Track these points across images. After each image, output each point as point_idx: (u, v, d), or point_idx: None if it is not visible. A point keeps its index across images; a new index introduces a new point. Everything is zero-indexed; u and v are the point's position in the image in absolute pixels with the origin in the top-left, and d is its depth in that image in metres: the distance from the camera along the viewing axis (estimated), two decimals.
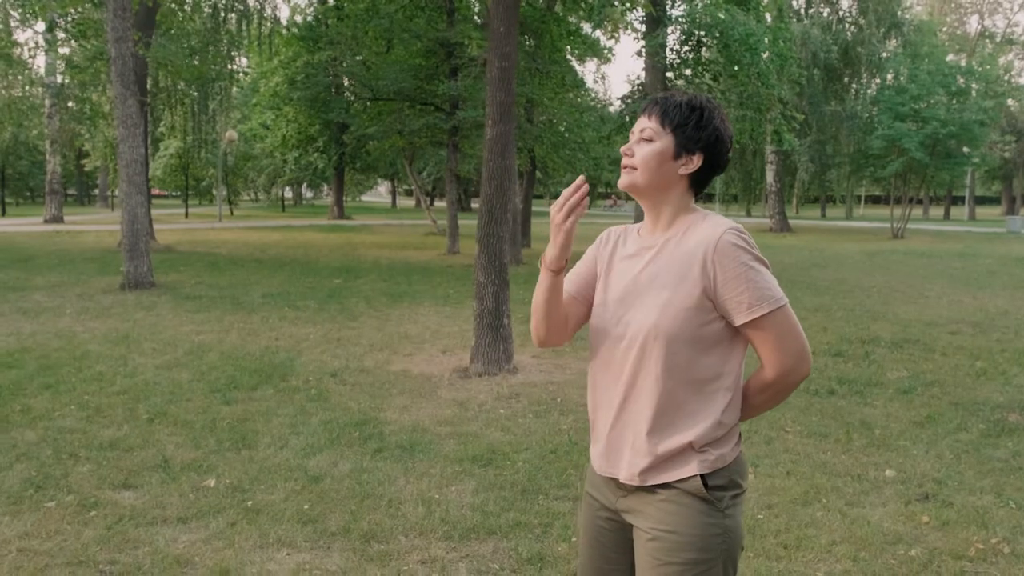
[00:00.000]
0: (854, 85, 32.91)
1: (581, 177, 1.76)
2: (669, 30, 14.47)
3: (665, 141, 1.74)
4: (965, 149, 28.28)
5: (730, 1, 14.28)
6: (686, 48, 15.04)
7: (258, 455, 4.63)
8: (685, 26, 14.37)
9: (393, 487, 4.16)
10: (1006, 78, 46.11)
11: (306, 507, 3.86)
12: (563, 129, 19.04)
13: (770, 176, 32.56)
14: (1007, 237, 29.03)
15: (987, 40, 53.30)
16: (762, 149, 31.87)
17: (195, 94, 25.24)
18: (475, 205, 58.44)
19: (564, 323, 1.90)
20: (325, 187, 50.66)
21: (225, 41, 23.28)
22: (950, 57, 36.31)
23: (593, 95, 27.87)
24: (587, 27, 18.21)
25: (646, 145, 1.75)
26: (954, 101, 27.33)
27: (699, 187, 1.80)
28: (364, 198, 75.88)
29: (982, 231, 33.64)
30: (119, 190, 11.42)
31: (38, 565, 3.23)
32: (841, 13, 31.44)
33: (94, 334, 8.13)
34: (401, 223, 33.71)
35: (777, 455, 4.72)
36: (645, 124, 1.77)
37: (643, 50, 14.89)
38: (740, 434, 1.78)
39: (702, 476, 1.68)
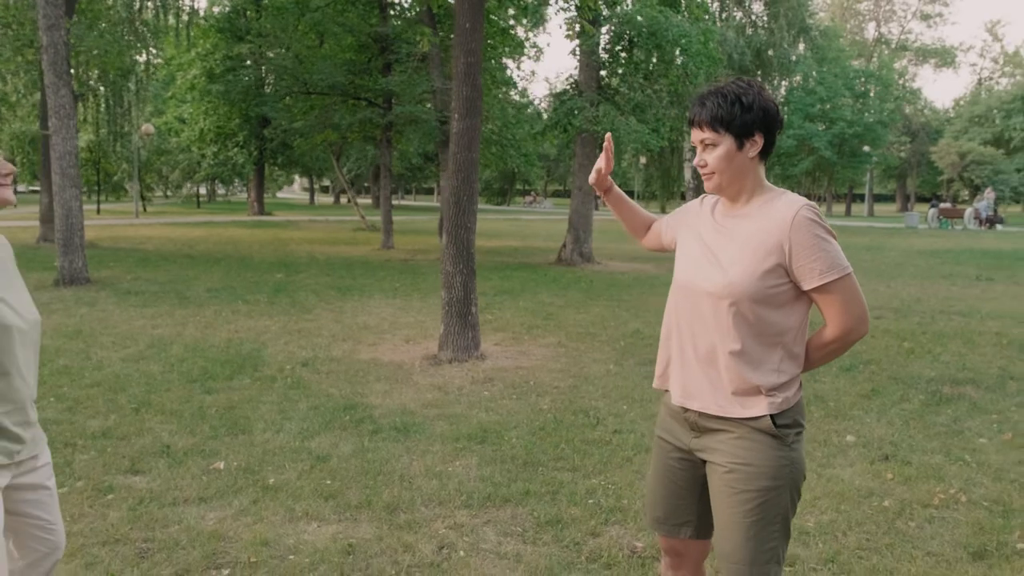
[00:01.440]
0: (765, 86, 34.32)
1: (608, 135, 2.20)
2: (603, 30, 14.90)
3: (726, 141, 1.99)
4: (866, 148, 29.91)
5: (663, 2, 14.84)
6: (619, 47, 15.49)
7: (257, 439, 4.72)
8: (619, 27, 14.81)
9: (400, 464, 4.33)
10: (901, 82, 48.81)
11: (325, 484, 4.00)
12: (491, 127, 19.27)
13: (688, 173, 33.62)
14: (906, 232, 30.82)
15: (883, 46, 56.31)
16: (680, 147, 32.90)
17: (109, 85, 24.37)
18: (396, 200, 58.13)
19: (646, 232, 2.49)
20: (238, 183, 49.42)
21: (142, 31, 22.58)
22: (853, 62, 38.26)
23: (531, 94, 28.18)
24: (520, 28, 18.51)
25: (712, 151, 2.00)
26: (858, 103, 28.95)
27: (767, 155, 2.06)
28: (280, 195, 74.30)
29: (883, 226, 35.59)
30: (54, 183, 11.04)
31: (75, 545, 3.28)
32: (753, 17, 32.76)
33: (43, 329, 7.93)
34: (326, 219, 33.29)
35: None
36: (702, 135, 2.01)
37: (577, 49, 15.28)
38: (800, 381, 2.07)
39: (771, 416, 1.97)
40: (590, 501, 3.86)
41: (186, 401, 5.48)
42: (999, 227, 32.11)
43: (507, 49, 19.90)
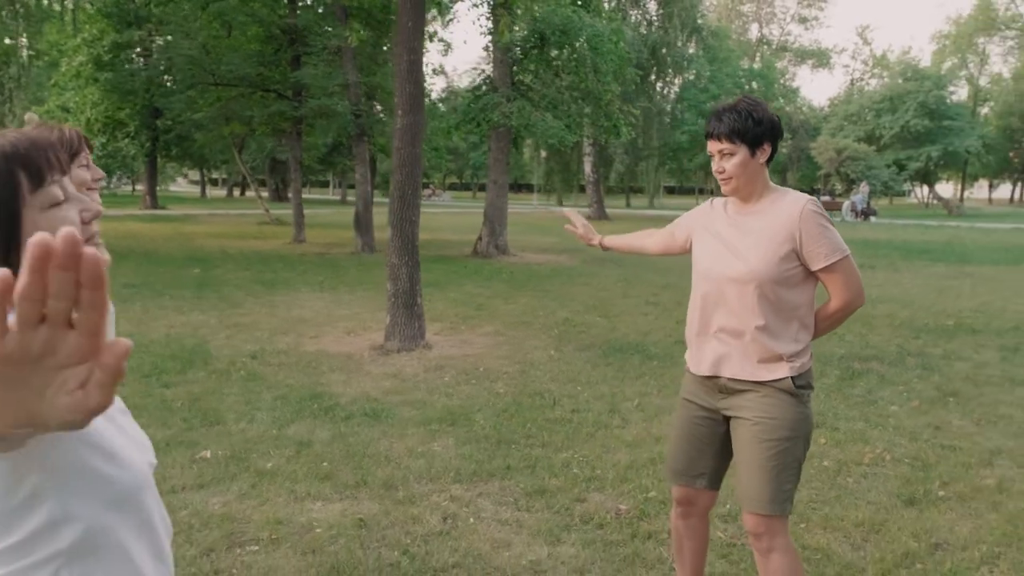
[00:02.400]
0: (658, 84, 35.68)
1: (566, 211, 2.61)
2: (517, 28, 15.26)
3: (741, 151, 2.36)
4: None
5: (574, 2, 15.34)
6: (530, 44, 15.89)
7: (233, 429, 4.83)
8: (533, 24, 15.20)
9: (381, 446, 4.55)
10: (782, 81, 51.41)
11: (318, 466, 4.18)
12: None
13: (588, 167, 34.54)
14: None
15: (765, 47, 59.22)
16: (580, 141, 33.73)
17: None
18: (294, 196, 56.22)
19: (657, 249, 2.87)
20: (120, 175, 47.22)
21: (21, 13, 21.45)
22: (741, 62, 40.13)
23: (450, 85, 28.08)
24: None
25: (730, 159, 2.37)
26: None
27: (771, 160, 2.44)
28: (171, 188, 71.32)
29: None
30: None
31: None
32: (649, 16, 33.94)
33: None
34: (226, 213, 32.36)
35: None
36: (720, 146, 2.38)
37: (491, 46, 15.59)
38: (811, 348, 2.45)
39: (792, 378, 2.36)
40: (567, 472, 4.20)
41: (147, 395, 5.50)
42: (873, 219, 34.44)
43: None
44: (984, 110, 60.53)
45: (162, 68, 15.23)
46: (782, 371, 2.36)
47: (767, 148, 2.38)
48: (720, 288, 2.41)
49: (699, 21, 33.76)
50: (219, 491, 3.87)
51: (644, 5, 33.68)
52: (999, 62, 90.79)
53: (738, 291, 2.35)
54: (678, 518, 2.72)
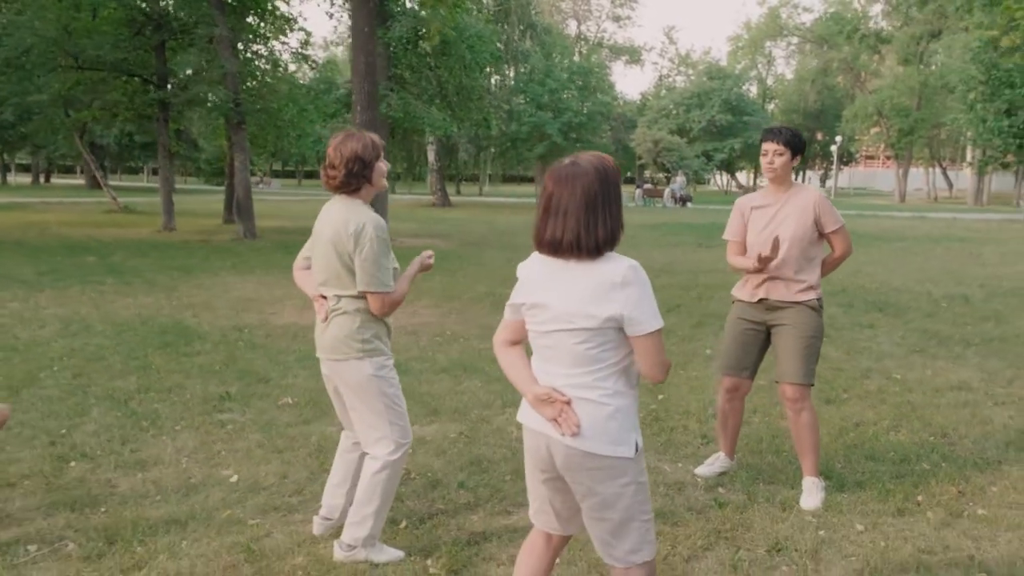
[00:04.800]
0: (496, 77, 37.30)
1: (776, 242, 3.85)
2: (395, 25, 16.10)
3: (787, 154, 3.71)
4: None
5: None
6: (404, 40, 16.78)
7: (287, 382, 5.64)
8: (407, 21, 16.09)
9: (426, 387, 5.57)
10: (608, 77, 54.71)
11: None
12: (269, 106, 19.52)
13: (431, 156, 35.60)
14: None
15: (583, 43, 62.69)
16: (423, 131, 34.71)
17: None
18: (115, 181, 53.01)
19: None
20: None
21: None
22: (570, 58, 42.60)
23: (324, 76, 27.68)
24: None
25: (780, 158, 3.70)
26: (581, 95, 32.80)
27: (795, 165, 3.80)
28: None
29: None
30: None
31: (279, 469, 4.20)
32: (487, 12, 35.38)
33: None
34: (60, 201, 30.27)
35: None
36: (775, 147, 3.71)
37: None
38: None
39: (816, 299, 3.74)
40: None
41: (178, 362, 6.12)
42: (689, 205, 38.10)
43: (272, 28, 20.11)
44: (771, 107, 67.64)
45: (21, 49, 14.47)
46: (810, 295, 3.74)
47: (798, 157, 3.75)
48: (768, 244, 3.74)
49: (534, 18, 35.69)
50: (328, 423, 4.75)
51: (482, 2, 35.12)
52: (783, 64, 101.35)
53: (787, 247, 3.69)
54: (725, 402, 4.05)
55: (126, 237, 16.46)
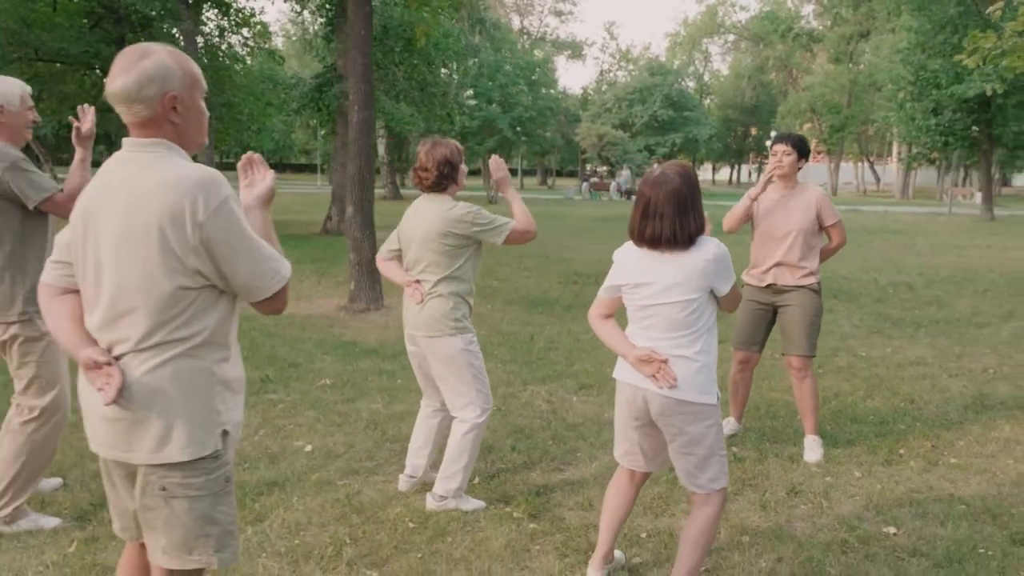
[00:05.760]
0: (444, 71, 37.59)
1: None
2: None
3: (795, 155, 4.34)
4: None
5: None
6: (373, 37, 17.06)
7: (317, 367, 6.06)
8: (379, 19, 16.37)
9: None
10: (555, 73, 55.33)
11: None
12: (229, 99, 19.51)
13: (381, 149, 35.68)
14: (567, 202, 36.21)
15: (526, 37, 63.26)
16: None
17: None
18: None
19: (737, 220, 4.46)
20: None
21: None
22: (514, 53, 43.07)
23: (291, 73, 27.42)
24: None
25: (788, 158, 4.33)
26: (530, 90, 33.37)
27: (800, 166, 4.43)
28: None
29: (546, 197, 41.09)
30: None
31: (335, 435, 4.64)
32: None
33: None
34: None
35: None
36: (784, 148, 4.33)
37: (333, 35, 16.54)
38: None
39: (816, 282, 4.38)
40: (600, 372, 5.99)
41: None
42: (634, 198, 39.07)
43: (235, 25, 20.13)
44: (707, 102, 69.43)
45: None
46: (811, 280, 4.37)
47: (804, 159, 4.37)
48: (777, 236, 4.36)
49: (483, 13, 36.10)
50: (370, 402, 5.21)
51: None
52: (719, 60, 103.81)
53: (792, 239, 4.31)
54: (737, 372, 4.67)
55: None
